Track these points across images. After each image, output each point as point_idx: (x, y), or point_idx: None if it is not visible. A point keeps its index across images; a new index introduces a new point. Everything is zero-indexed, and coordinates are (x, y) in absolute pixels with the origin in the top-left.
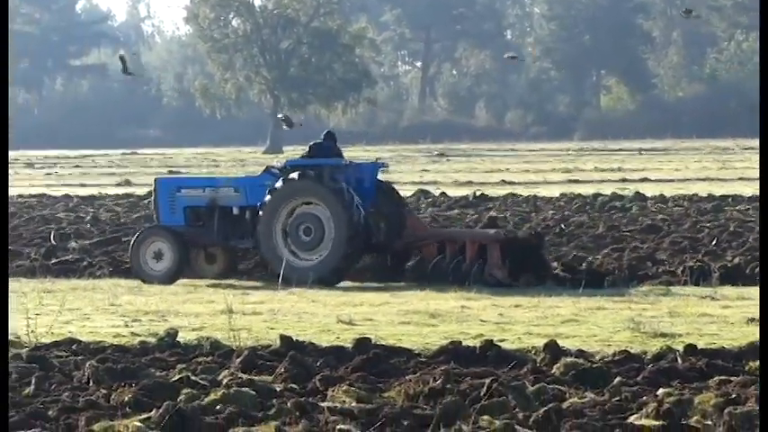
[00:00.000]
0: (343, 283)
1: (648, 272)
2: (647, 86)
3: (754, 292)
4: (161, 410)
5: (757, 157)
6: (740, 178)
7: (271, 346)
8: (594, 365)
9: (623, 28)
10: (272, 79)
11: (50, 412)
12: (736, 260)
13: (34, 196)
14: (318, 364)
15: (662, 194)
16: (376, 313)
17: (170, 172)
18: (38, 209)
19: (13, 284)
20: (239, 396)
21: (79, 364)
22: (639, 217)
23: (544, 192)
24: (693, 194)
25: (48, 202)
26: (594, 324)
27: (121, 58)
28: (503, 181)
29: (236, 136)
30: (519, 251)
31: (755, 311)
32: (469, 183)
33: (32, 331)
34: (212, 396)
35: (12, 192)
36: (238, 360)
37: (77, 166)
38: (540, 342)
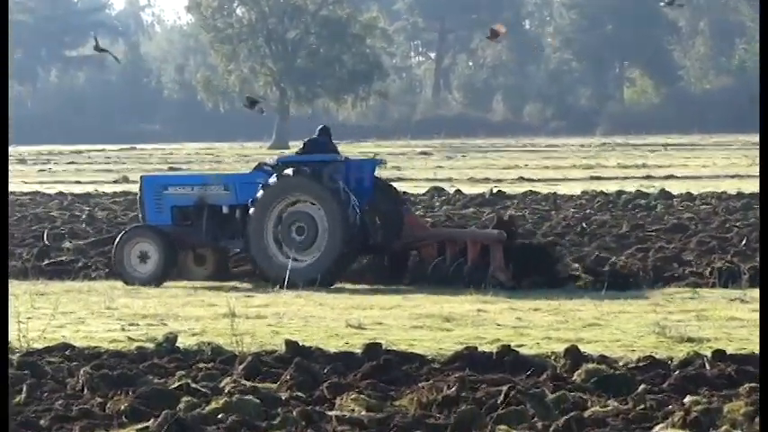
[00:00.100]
0: (351, 286)
1: (674, 273)
2: (672, 78)
3: None
4: (159, 420)
5: None
6: None
7: (275, 351)
8: (618, 372)
9: (648, 17)
10: (278, 71)
11: (42, 422)
12: None
13: (27, 194)
14: (326, 370)
15: (689, 192)
16: (387, 317)
17: (170, 168)
18: (30, 207)
19: None
20: (242, 404)
21: (73, 370)
22: (665, 216)
23: (564, 189)
24: (722, 192)
25: (41, 199)
26: (618, 328)
27: (95, 39)
28: (521, 178)
29: (241, 131)
30: (526, 255)
31: None
32: (486, 180)
33: (24, 336)
34: (213, 404)
35: None
36: (241, 366)
37: (72, 162)
38: (561, 347)
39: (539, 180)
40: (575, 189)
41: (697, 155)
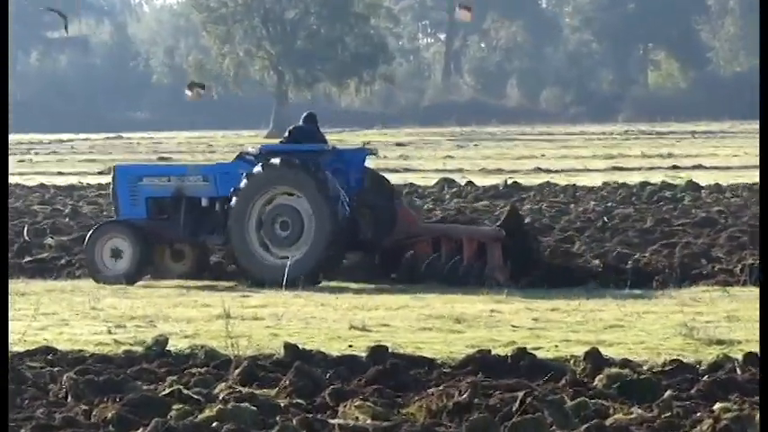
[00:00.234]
0: (355, 285)
1: (703, 271)
2: (700, 61)
3: None
4: (149, 429)
5: None
6: None
7: (274, 355)
8: (642, 377)
9: None
10: (275, 54)
11: (23, 431)
12: None
13: None
14: (328, 375)
15: (717, 183)
16: (393, 318)
17: (160, 159)
18: (9, 200)
19: None
20: (238, 412)
21: (56, 376)
22: (693, 209)
23: (584, 180)
24: (753, 183)
25: (21, 192)
26: (642, 330)
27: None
28: (537, 168)
29: (236, 118)
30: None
31: None
32: (500, 170)
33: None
34: (207, 412)
35: None
36: (237, 371)
37: (54, 152)
38: (580, 350)
39: (557, 171)
40: (595, 180)
41: (727, 143)
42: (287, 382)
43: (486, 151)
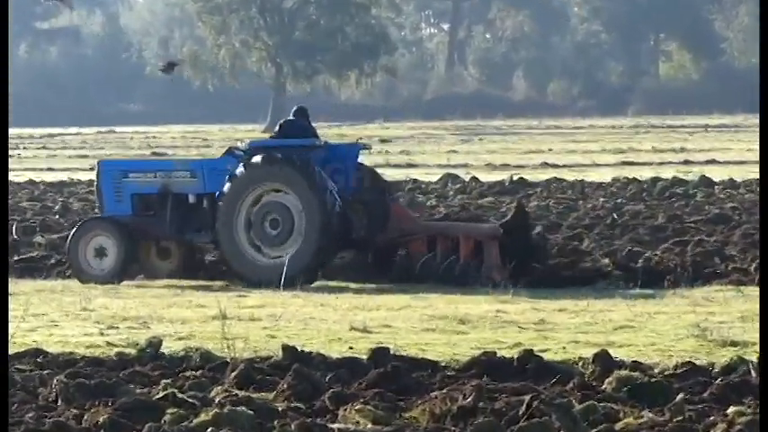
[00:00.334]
0: (356, 285)
1: (716, 269)
2: (713, 52)
3: None
4: None
5: None
6: None
7: (271, 357)
8: (653, 380)
9: None
10: (273, 45)
11: None
12: None
13: None
14: (327, 378)
15: (731, 179)
16: (395, 319)
17: (153, 154)
18: None
19: None
20: (234, 417)
21: (46, 379)
22: (705, 205)
23: (593, 176)
24: None
25: (9, 189)
26: (653, 331)
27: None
28: (544, 163)
29: (232, 111)
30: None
31: None
32: (505, 166)
33: None
34: (203, 417)
35: None
36: (233, 374)
37: (44, 147)
38: (589, 352)
39: (564, 166)
40: (604, 176)
41: (741, 137)
42: (285, 386)
43: (492, 146)
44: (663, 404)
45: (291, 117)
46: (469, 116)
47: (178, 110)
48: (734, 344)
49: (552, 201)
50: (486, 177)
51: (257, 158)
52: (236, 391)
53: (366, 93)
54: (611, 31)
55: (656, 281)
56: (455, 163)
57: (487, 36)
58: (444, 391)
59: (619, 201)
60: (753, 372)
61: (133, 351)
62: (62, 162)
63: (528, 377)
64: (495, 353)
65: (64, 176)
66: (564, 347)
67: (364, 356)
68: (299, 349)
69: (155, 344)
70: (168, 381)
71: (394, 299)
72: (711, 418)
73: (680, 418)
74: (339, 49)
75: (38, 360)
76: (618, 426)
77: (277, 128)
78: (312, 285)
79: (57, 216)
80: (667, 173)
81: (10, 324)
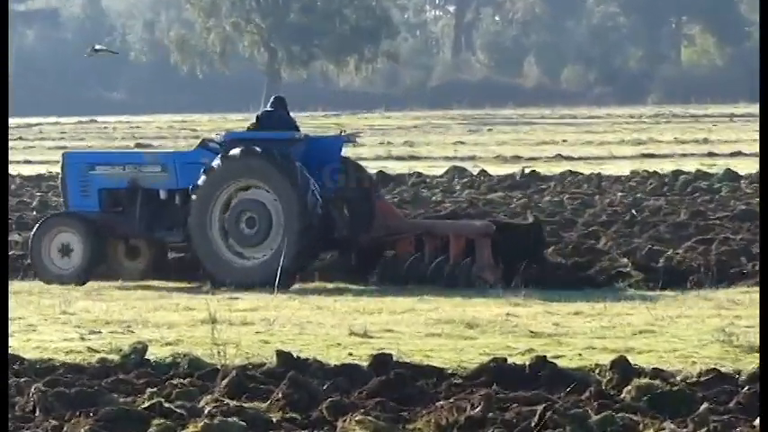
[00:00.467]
0: (355, 286)
1: (743, 270)
2: (738, 36)
3: None
4: None
5: None
6: None
7: (265, 364)
8: (675, 388)
9: None
10: (266, 28)
11: None
12: None
13: None
14: (325, 387)
15: (759, 172)
16: (398, 323)
17: (138, 145)
18: None
19: None
20: (225, 428)
21: (22, 387)
22: (731, 201)
23: (611, 169)
24: None
25: None
26: (675, 336)
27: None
28: (558, 156)
29: (223, 99)
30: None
31: None
32: (516, 158)
33: None
34: (191, 428)
35: None
36: (224, 382)
37: (20, 138)
38: (606, 359)
39: (579, 158)
40: (623, 169)
41: None
42: (280, 395)
43: (502, 136)
44: (686, 415)
45: (269, 108)
46: (477, 105)
47: (165, 98)
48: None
49: (566, 196)
50: (496, 171)
51: (233, 152)
52: (227, 401)
53: (366, 80)
54: (630, 13)
55: (678, 282)
56: (462, 155)
57: (497, 19)
58: (451, 400)
59: (638, 196)
60: None
61: (116, 357)
62: (40, 154)
63: (541, 385)
64: (506, 359)
65: (42, 169)
66: (579, 354)
67: (365, 363)
68: (295, 355)
69: (139, 350)
70: (154, 389)
71: (397, 301)
72: (738, 429)
73: (704, 429)
74: (337, 33)
75: (14, 367)
76: None
77: (255, 119)
78: (309, 287)
79: (34, 212)
80: (690, 166)
81: None
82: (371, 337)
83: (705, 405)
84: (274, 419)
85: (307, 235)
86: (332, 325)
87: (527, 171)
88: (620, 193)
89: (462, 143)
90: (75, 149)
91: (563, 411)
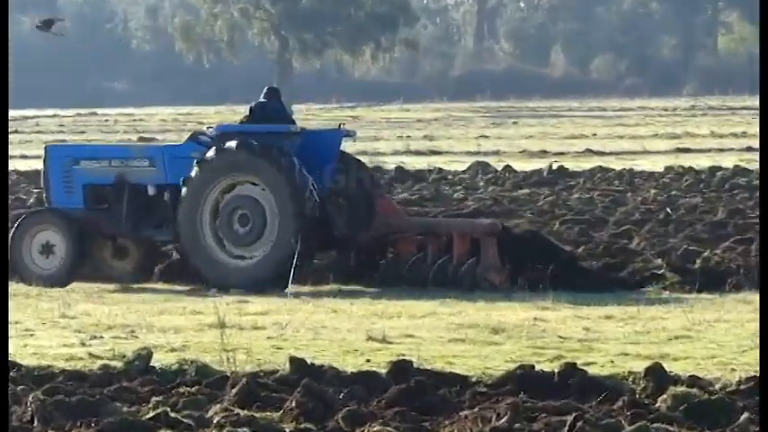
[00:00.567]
0: (373, 288)
1: None
2: None
3: None
4: None
5: None
6: None
7: (277, 371)
8: (713, 397)
9: None
10: (276, 14)
11: None
12: None
13: None
14: (341, 395)
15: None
16: (419, 328)
17: (140, 139)
18: None
19: None
20: None
21: (20, 396)
22: None
23: (644, 164)
24: None
25: None
26: (712, 341)
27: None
28: (588, 150)
29: (230, 90)
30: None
31: None
32: (543, 153)
33: None
34: None
35: None
36: (234, 391)
37: (16, 131)
38: (640, 366)
39: (610, 153)
40: (656, 164)
41: None
42: (293, 404)
43: (527, 130)
44: (725, 425)
45: (263, 99)
46: (501, 96)
47: (169, 89)
48: None
49: (597, 193)
50: (522, 166)
51: (225, 146)
52: (237, 410)
53: (383, 70)
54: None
55: (716, 284)
56: (486, 150)
57: (521, 5)
58: (475, 410)
59: (673, 193)
60: None
61: (119, 364)
62: (37, 148)
63: (570, 394)
64: (533, 366)
65: (39, 165)
66: (611, 360)
67: (383, 370)
68: (309, 362)
69: (144, 356)
70: (160, 398)
71: (417, 305)
72: None
73: None
74: (352, 20)
75: (11, 374)
76: None
77: (248, 111)
78: (323, 289)
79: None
80: (728, 161)
81: None
82: (390, 343)
83: (745, 415)
84: (287, 430)
85: (303, 234)
86: (348, 329)
87: (555, 167)
88: (653, 191)
89: (486, 137)
90: (57, 143)
91: (594, 422)
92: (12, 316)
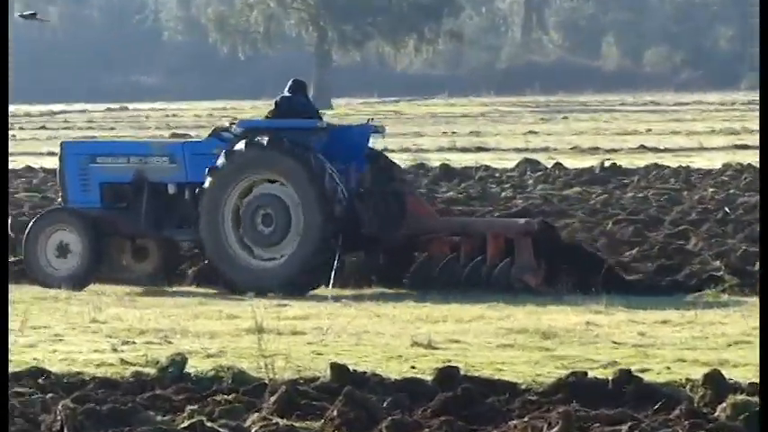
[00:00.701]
0: (417, 292)
1: None
2: None
3: None
4: None
5: None
6: None
7: (318, 378)
8: None
9: None
10: (315, 4)
11: None
12: None
13: None
14: (385, 404)
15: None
16: (466, 332)
17: (173, 135)
18: None
19: None
20: None
21: (48, 404)
22: None
23: (700, 162)
24: None
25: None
26: None
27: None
28: (642, 147)
29: (266, 83)
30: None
31: None
32: (595, 149)
33: None
34: None
35: None
36: (272, 399)
37: (43, 128)
38: (698, 373)
39: (666, 150)
40: (714, 162)
41: None
42: (334, 413)
43: (578, 125)
44: None
45: (287, 93)
46: (551, 90)
47: (202, 83)
48: None
49: (652, 191)
50: (573, 163)
51: (248, 142)
52: (276, 419)
53: (427, 62)
54: None
55: None
56: (534, 146)
57: None
58: (525, 419)
59: (731, 191)
60: None
61: (152, 371)
62: None
63: (625, 402)
64: (586, 373)
65: None
66: (668, 367)
67: (429, 377)
68: (351, 369)
69: (178, 362)
70: (195, 407)
71: (464, 308)
72: None
73: None
74: (394, 10)
75: (39, 381)
76: None
77: (273, 105)
78: (365, 293)
79: None
80: None
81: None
82: (436, 349)
83: None
84: None
85: (328, 234)
86: (392, 334)
87: (607, 164)
88: (711, 189)
89: (534, 133)
90: (73, 139)
91: (650, 431)
92: (40, 320)
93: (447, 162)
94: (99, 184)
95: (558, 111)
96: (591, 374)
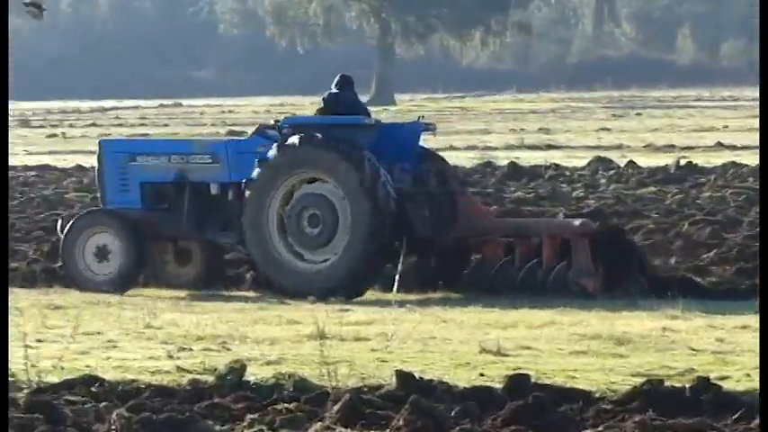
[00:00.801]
0: (486, 297)
1: None
2: None
3: None
4: None
5: None
6: None
7: (383, 386)
8: None
9: None
10: None
11: None
12: None
13: (31, 168)
14: (453, 413)
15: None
16: (536, 339)
17: (230, 132)
18: (38, 187)
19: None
20: None
21: (102, 413)
22: None
23: None
24: None
25: (51, 176)
26: None
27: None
28: (719, 144)
29: (326, 78)
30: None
31: None
32: (670, 147)
33: (33, 366)
34: None
35: None
36: (335, 408)
37: (94, 125)
38: None
39: (744, 147)
40: None
41: None
42: (400, 422)
43: (652, 122)
44: None
45: (334, 89)
46: (624, 85)
47: (259, 77)
48: None
49: (729, 191)
50: (647, 162)
51: (293, 140)
52: (340, 429)
53: (494, 56)
54: None
55: None
56: (607, 144)
57: None
58: (600, 428)
59: None
60: None
61: (210, 378)
62: None
63: (703, 411)
64: (663, 381)
65: None
66: (748, 374)
67: (498, 385)
68: (417, 376)
69: (237, 370)
70: (255, 416)
71: (535, 314)
72: None
73: None
74: (459, 2)
75: (92, 389)
76: None
77: (321, 102)
78: (432, 297)
79: None
80: None
81: (57, 345)
82: (506, 355)
83: None
84: None
85: (377, 236)
86: (460, 341)
87: (682, 162)
88: None
89: (607, 130)
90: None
91: None
92: (92, 326)
93: (515, 160)
94: (139, 184)
95: (631, 107)
96: (667, 382)
